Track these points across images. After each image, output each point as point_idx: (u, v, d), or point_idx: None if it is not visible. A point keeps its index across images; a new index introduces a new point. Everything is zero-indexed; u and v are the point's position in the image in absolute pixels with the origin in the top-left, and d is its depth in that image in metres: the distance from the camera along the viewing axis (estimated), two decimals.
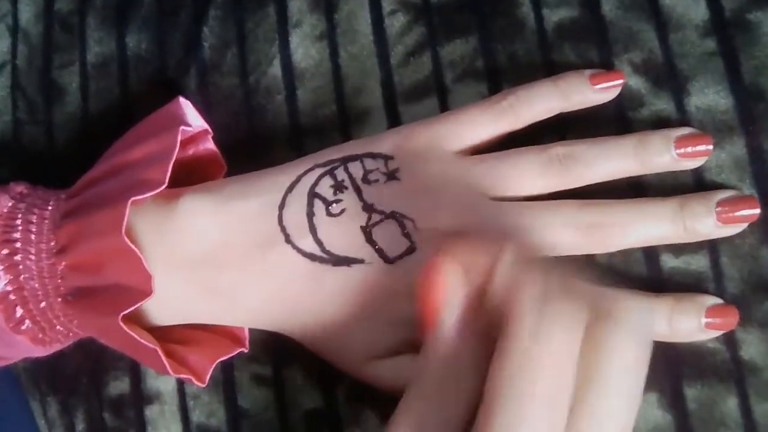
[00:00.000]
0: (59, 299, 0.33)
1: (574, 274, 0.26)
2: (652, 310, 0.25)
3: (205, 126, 0.35)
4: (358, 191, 0.32)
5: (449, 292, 0.26)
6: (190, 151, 0.35)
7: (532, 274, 0.25)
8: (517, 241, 0.27)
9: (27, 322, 0.33)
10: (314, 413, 0.35)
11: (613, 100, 0.33)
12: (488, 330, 0.25)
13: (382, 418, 0.34)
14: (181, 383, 0.36)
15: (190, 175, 0.35)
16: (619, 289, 0.26)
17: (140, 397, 0.37)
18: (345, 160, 0.32)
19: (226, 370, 0.36)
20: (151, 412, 0.37)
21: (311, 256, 0.31)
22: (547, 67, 0.34)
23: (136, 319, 0.33)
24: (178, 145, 0.32)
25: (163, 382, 0.37)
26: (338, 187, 0.32)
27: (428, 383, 0.26)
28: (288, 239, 0.31)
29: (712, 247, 0.31)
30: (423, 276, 0.26)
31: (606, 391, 0.24)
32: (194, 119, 0.34)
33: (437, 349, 0.26)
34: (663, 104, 0.33)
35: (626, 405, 0.25)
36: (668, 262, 0.32)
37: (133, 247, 0.30)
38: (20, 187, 0.35)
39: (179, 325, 0.34)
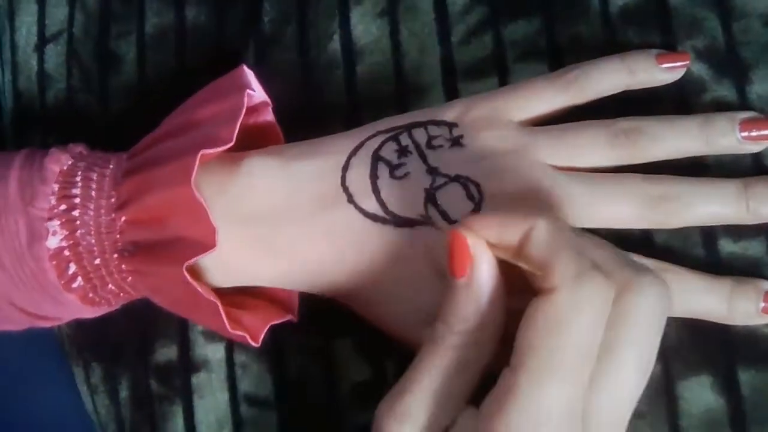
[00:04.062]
0: (115, 255, 0.33)
1: (603, 245, 0.27)
2: (668, 287, 0.26)
3: (266, 98, 0.35)
4: (422, 155, 0.32)
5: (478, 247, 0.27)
6: (251, 120, 0.35)
7: (568, 249, 0.25)
8: (550, 214, 0.27)
9: (79, 279, 0.33)
10: (363, 385, 0.34)
11: (675, 84, 0.33)
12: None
13: None
14: (230, 352, 0.36)
15: (249, 146, 0.35)
16: (642, 263, 0.27)
17: (188, 364, 0.37)
18: (409, 127, 0.32)
19: (276, 339, 0.35)
20: (198, 380, 0.36)
21: (373, 217, 0.31)
22: (610, 49, 0.34)
23: (193, 278, 0.32)
24: (245, 106, 0.32)
25: (211, 350, 0.36)
26: (402, 152, 0.32)
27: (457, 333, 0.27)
28: (350, 199, 0.31)
29: None
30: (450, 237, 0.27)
31: (621, 362, 0.25)
32: (257, 88, 0.34)
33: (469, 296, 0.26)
34: (724, 91, 0.33)
35: (637, 375, 0.25)
36: (726, 247, 0.32)
37: (199, 197, 0.30)
38: (79, 148, 0.35)
39: (231, 290, 0.34)
